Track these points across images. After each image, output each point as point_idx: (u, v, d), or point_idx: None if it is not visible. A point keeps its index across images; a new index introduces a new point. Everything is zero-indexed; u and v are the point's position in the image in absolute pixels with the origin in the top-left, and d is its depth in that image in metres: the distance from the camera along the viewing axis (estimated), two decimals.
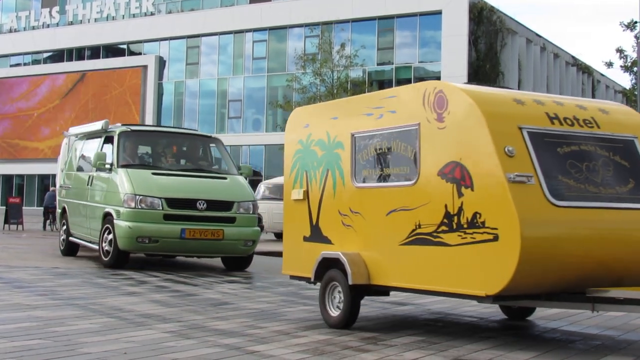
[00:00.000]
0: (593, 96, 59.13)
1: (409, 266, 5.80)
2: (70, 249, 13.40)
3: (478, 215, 5.24)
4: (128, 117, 46.51)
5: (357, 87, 37.87)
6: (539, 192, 5.19)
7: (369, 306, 7.61)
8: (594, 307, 5.42)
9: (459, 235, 5.35)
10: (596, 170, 5.53)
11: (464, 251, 5.32)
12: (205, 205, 10.90)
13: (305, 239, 6.91)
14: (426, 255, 5.61)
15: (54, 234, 23.51)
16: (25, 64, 57.53)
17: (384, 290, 6.37)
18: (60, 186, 14.51)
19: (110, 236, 10.93)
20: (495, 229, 5.11)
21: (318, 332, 5.90)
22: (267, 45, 47.27)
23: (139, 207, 10.70)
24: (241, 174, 12.13)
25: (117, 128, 12.07)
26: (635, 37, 29.70)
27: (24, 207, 28.99)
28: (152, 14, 51.82)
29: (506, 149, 5.23)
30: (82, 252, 14.04)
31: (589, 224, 5.32)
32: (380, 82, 44.11)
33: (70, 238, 13.15)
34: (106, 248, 11.09)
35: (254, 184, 21.12)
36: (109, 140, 12.03)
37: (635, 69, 31.51)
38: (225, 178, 11.72)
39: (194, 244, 10.83)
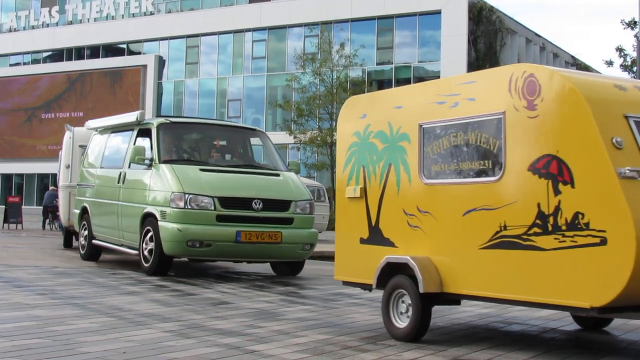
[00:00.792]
0: None
1: (491, 273, 5.18)
2: (93, 253, 12.37)
3: (580, 216, 4.65)
4: None
5: (356, 87, 37.87)
6: None
7: (368, 306, 7.61)
8: None
9: (555, 239, 4.76)
10: None
11: (562, 256, 4.73)
12: (261, 205, 9.89)
13: (363, 241, 6.30)
14: (513, 260, 5.01)
15: (54, 233, 23.51)
16: (24, 64, 57.54)
17: (455, 299, 5.79)
18: (78, 184, 13.26)
19: (152, 240, 9.91)
20: (603, 231, 4.52)
21: (317, 331, 5.90)
22: (267, 45, 47.28)
23: (189, 207, 9.62)
24: (290, 171, 11.15)
25: (154, 120, 11.07)
26: (636, 36, 29.69)
27: (23, 206, 28.99)
28: (151, 13, 51.82)
29: (614, 140, 4.64)
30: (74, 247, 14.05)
31: None
32: (380, 82, 44.13)
33: (94, 241, 12.11)
34: (146, 253, 10.03)
35: None
36: (144, 133, 11.03)
37: (635, 68, 31.51)
38: (278, 175, 10.72)
39: (249, 248, 9.81)
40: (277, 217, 10.04)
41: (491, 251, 5.15)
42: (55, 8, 55.73)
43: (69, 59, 55.04)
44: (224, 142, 11.86)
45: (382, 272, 5.87)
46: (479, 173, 5.37)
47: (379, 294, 8.71)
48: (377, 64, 43.86)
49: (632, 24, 33.05)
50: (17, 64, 57.96)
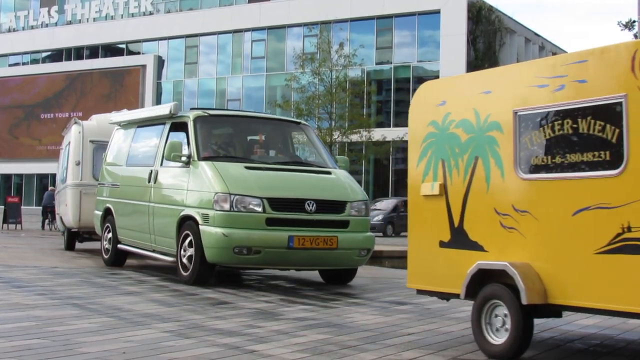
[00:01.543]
0: None
1: (611, 281, 4.49)
2: (118, 258, 11.40)
3: None
4: None
5: (355, 87, 37.88)
6: None
7: (368, 306, 7.61)
8: None
9: None
10: None
11: None
12: (314, 206, 8.86)
13: (443, 244, 5.61)
14: None
15: (53, 233, 23.50)
16: (24, 64, 57.54)
17: (556, 311, 5.15)
18: (99, 184, 12.25)
19: (191, 246, 8.92)
20: None
21: (317, 331, 5.90)
22: (266, 45, 47.30)
23: (235, 209, 8.61)
24: (340, 168, 10.15)
25: (190, 113, 9.99)
26: (634, 36, 29.69)
27: (22, 207, 28.99)
28: (150, 13, 51.83)
29: None
30: (80, 248, 14.05)
31: None
32: (379, 82, 44.14)
33: (119, 246, 11.14)
34: (185, 260, 9.04)
35: None
36: (178, 127, 10.03)
37: None
38: (329, 172, 9.68)
39: (303, 255, 8.80)
40: (332, 220, 9.05)
41: (611, 256, 4.47)
42: (55, 8, 55.74)
43: (68, 59, 55.05)
44: (266, 137, 10.81)
45: (472, 280, 5.16)
46: (593, 166, 4.64)
47: (378, 294, 8.73)
48: (377, 63, 43.87)
49: (629, 25, 33.05)
50: (16, 64, 57.97)
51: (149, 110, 11.46)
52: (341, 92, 35.26)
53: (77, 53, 54.98)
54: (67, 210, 14.12)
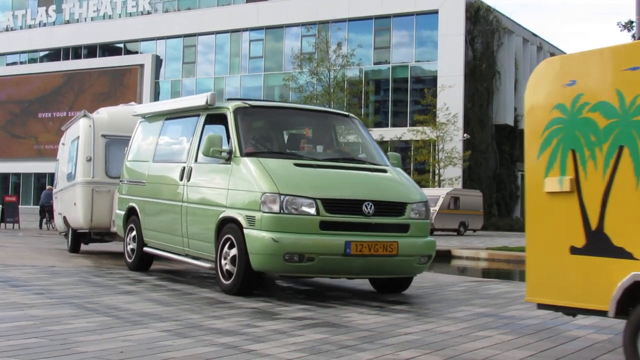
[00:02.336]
0: None
1: None
2: (143, 262, 10.56)
3: None
4: None
5: (353, 87, 37.90)
6: None
7: (366, 305, 7.61)
8: None
9: None
10: None
11: None
12: (372, 208, 7.91)
13: (576, 250, 4.74)
14: None
15: (51, 232, 23.49)
16: (21, 63, 57.52)
17: None
18: (122, 181, 11.30)
19: (234, 251, 7.96)
20: None
21: (314, 331, 5.90)
22: (264, 45, 47.33)
23: (285, 211, 7.65)
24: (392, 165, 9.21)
25: (229, 104, 9.00)
26: (633, 37, 29.74)
27: (20, 206, 29.00)
28: (148, 12, 51.84)
29: None
30: (82, 248, 14.04)
31: None
32: (377, 82, 44.14)
33: (145, 248, 10.27)
34: (227, 267, 8.10)
35: None
36: (215, 119, 9.12)
37: None
38: (385, 170, 8.78)
39: (360, 262, 7.84)
40: (391, 224, 8.12)
41: None
42: (52, 7, 55.76)
43: (66, 58, 55.06)
44: (312, 130, 9.94)
45: (625, 294, 4.37)
46: None
47: (377, 293, 8.73)
48: (374, 63, 43.89)
49: (628, 25, 33.12)
50: (14, 63, 57.94)
51: (180, 101, 10.44)
52: (339, 92, 35.32)
53: (75, 52, 54.98)
54: (76, 210, 13.21)
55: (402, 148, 38.68)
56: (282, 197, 7.67)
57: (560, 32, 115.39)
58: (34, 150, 53.74)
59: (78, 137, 13.55)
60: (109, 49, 53.92)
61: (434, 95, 39.33)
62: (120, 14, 52.85)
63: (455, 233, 33.36)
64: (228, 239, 8.07)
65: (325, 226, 7.70)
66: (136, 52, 52.55)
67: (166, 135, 10.42)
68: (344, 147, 9.96)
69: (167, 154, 10.16)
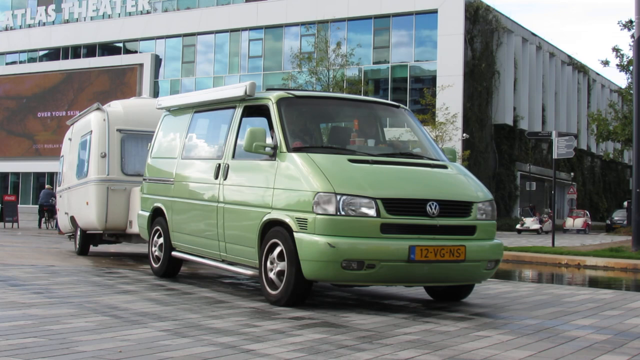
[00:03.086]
0: (589, 95, 59.26)
1: None
2: (171, 268, 9.75)
3: None
4: None
5: (353, 86, 37.89)
6: None
7: (364, 306, 7.61)
8: None
9: None
10: None
11: None
12: (437, 208, 7.12)
13: None
14: None
15: (50, 231, 23.49)
16: (21, 62, 57.52)
17: None
18: (145, 179, 10.44)
19: (282, 257, 7.20)
20: None
21: (313, 330, 5.90)
22: (263, 44, 47.34)
23: (342, 213, 6.84)
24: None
25: (271, 94, 8.11)
26: (632, 36, 29.75)
27: (19, 205, 29.01)
28: (148, 12, 51.84)
29: None
30: (71, 246, 14.03)
31: None
32: (376, 81, 44.15)
33: (174, 253, 9.49)
34: (274, 275, 7.31)
35: None
36: (253, 112, 8.35)
37: (631, 67, 31.59)
38: (445, 166, 7.95)
39: (426, 269, 7.02)
40: (457, 226, 7.32)
41: None
42: (52, 6, 55.76)
43: (65, 57, 55.06)
44: (360, 123, 8.97)
45: None
46: None
47: (375, 290, 8.72)
48: (374, 63, 43.91)
49: (628, 25, 33.13)
50: (13, 63, 57.94)
51: (212, 92, 9.39)
52: (338, 92, 35.27)
53: (74, 52, 54.97)
54: (88, 210, 12.40)
55: None
56: (338, 197, 6.87)
57: (559, 32, 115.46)
58: (33, 150, 53.71)
59: (90, 131, 12.72)
60: (108, 49, 53.92)
61: (433, 95, 39.35)
62: (119, 14, 52.85)
63: None
64: (275, 243, 7.29)
65: (387, 229, 6.91)
66: (135, 52, 52.54)
67: (196, 130, 9.62)
68: (396, 140, 9.03)
69: (198, 150, 9.42)
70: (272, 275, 7.32)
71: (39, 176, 53.13)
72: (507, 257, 18.82)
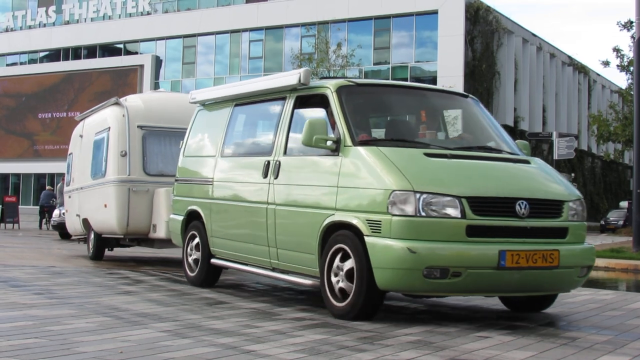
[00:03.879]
0: (589, 96, 59.27)
1: None
2: (210, 276, 8.90)
3: None
4: None
5: None
6: None
7: None
8: None
9: None
10: None
11: None
12: (527, 208, 6.33)
13: None
14: None
15: (50, 232, 23.49)
16: (21, 63, 57.55)
17: None
18: (177, 180, 9.59)
19: (350, 265, 6.40)
20: None
21: (314, 331, 5.90)
22: (264, 45, 47.35)
23: (422, 214, 6.05)
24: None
25: (329, 82, 7.34)
26: (632, 36, 29.76)
27: (20, 206, 29.04)
28: (148, 13, 51.85)
29: None
30: (77, 246, 14.05)
31: None
32: None
33: (213, 260, 8.68)
34: (340, 285, 6.52)
35: None
36: (308, 102, 7.55)
37: (631, 68, 31.60)
38: (527, 162, 7.13)
39: (517, 277, 6.23)
40: (548, 227, 6.53)
41: None
42: (52, 8, 55.76)
43: (66, 58, 55.07)
44: (427, 114, 8.00)
45: None
46: None
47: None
48: (374, 64, 43.91)
49: (628, 25, 33.14)
50: (14, 64, 57.97)
51: (259, 82, 8.56)
52: None
53: (75, 53, 54.98)
54: (106, 212, 11.58)
55: None
56: (418, 195, 6.06)
57: (560, 33, 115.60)
58: (32, 151, 53.72)
59: (108, 128, 11.86)
60: (109, 50, 53.92)
61: None
62: (120, 15, 52.85)
63: None
64: (340, 249, 6.52)
65: (473, 232, 6.13)
66: (136, 53, 52.54)
67: (237, 125, 8.78)
68: (468, 133, 8.10)
69: (241, 147, 8.61)
70: (337, 285, 6.56)
71: (39, 177, 53.14)
72: None
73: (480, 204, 6.18)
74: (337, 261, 6.53)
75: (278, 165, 7.43)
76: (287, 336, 5.64)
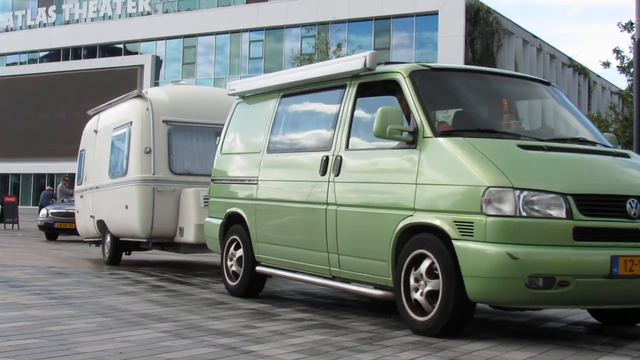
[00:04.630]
0: (589, 97, 59.31)
1: None
2: (254, 285, 8.06)
3: None
4: None
5: None
6: None
7: (365, 307, 7.60)
8: None
9: None
10: None
11: None
12: (638, 207, 5.57)
13: None
14: None
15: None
16: (21, 63, 57.57)
17: None
18: (213, 180, 8.79)
19: (433, 273, 5.67)
20: None
21: (314, 332, 5.89)
22: (264, 46, 47.36)
23: (523, 213, 5.28)
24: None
25: (399, 66, 6.51)
26: (632, 38, 29.78)
27: (19, 206, 29.04)
28: (148, 13, 51.86)
29: None
30: (71, 247, 14.05)
31: None
32: None
33: (259, 268, 7.84)
34: (420, 297, 5.76)
35: None
36: (374, 90, 6.80)
37: (631, 69, 31.64)
38: (627, 155, 6.40)
39: (628, 287, 5.49)
40: None
41: None
42: (52, 8, 55.76)
43: (66, 58, 55.07)
44: (510, 102, 7.20)
45: None
46: None
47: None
48: None
49: (628, 26, 33.16)
50: (14, 64, 57.99)
51: (314, 69, 7.65)
52: None
53: (75, 53, 54.99)
54: (127, 214, 10.85)
55: None
56: (517, 192, 5.29)
57: (559, 34, 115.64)
58: (33, 151, 53.72)
59: (130, 122, 11.08)
60: (109, 50, 53.93)
61: None
62: (120, 15, 52.85)
63: None
64: (421, 255, 5.75)
65: (581, 235, 5.36)
66: (136, 53, 52.55)
67: (286, 117, 7.93)
68: (550, 124, 7.29)
69: (291, 141, 7.79)
70: (418, 296, 5.78)
71: (39, 177, 53.14)
72: None
73: (588, 203, 5.43)
74: (417, 269, 5.78)
75: (339, 161, 6.66)
76: (286, 337, 5.64)
